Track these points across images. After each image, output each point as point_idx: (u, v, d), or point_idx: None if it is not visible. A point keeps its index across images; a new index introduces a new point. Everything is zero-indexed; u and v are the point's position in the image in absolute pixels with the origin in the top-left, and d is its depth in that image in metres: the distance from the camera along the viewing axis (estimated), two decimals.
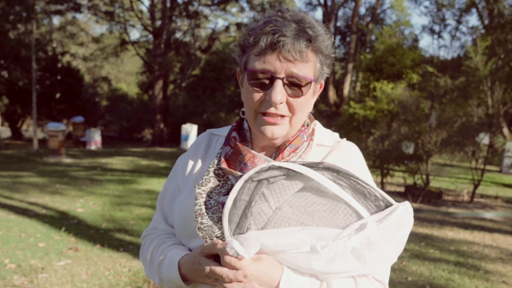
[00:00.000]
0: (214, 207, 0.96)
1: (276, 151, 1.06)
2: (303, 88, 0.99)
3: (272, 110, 0.99)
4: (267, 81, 0.98)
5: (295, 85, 0.98)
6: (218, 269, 0.85)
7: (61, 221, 5.93)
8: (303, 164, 0.94)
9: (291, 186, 0.91)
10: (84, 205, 7.01)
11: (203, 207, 0.96)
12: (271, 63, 0.96)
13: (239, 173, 0.98)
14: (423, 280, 4.23)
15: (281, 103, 0.98)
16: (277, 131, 1.01)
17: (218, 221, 0.93)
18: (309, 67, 0.99)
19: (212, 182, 1.02)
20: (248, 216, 0.87)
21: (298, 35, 0.96)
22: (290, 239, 0.85)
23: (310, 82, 0.99)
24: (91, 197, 7.68)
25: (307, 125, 1.10)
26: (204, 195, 0.98)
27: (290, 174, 0.92)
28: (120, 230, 5.59)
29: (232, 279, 0.84)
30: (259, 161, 0.99)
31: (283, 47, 0.94)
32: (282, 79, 0.97)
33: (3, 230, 5.37)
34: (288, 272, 0.89)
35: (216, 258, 0.89)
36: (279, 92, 0.97)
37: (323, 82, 1.09)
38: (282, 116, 1.00)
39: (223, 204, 0.93)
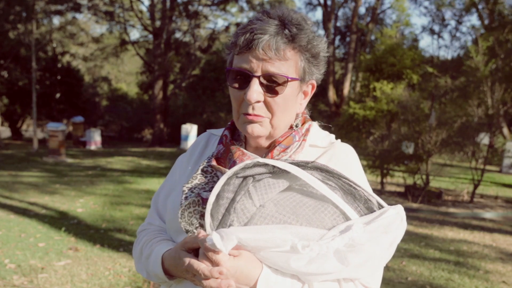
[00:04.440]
0: (194, 198, 0.95)
1: (267, 151, 1.05)
2: (281, 87, 0.97)
3: (249, 110, 0.98)
4: (244, 80, 0.98)
5: (272, 84, 0.97)
6: (196, 264, 0.84)
7: (61, 221, 5.93)
8: (291, 163, 0.92)
9: (277, 184, 0.90)
10: (84, 205, 7.01)
11: (184, 202, 0.96)
12: (248, 61, 0.96)
13: (227, 170, 0.97)
14: (423, 280, 4.23)
15: (258, 102, 0.97)
16: (257, 129, 1.00)
17: (198, 213, 0.92)
18: (289, 65, 0.97)
19: (198, 179, 1.02)
20: (231, 213, 0.86)
21: (277, 33, 0.94)
22: (270, 235, 0.83)
23: (287, 81, 0.97)
24: (91, 197, 7.68)
25: (298, 126, 1.08)
26: (188, 191, 0.98)
27: (276, 172, 0.91)
28: (120, 230, 5.59)
29: (207, 276, 0.82)
30: (248, 159, 0.99)
31: (258, 45, 0.94)
32: (258, 77, 0.96)
33: (3, 230, 5.37)
34: (267, 271, 0.86)
35: (196, 253, 0.88)
36: (254, 90, 0.96)
37: (314, 83, 1.07)
38: (260, 116, 0.99)
39: (205, 199, 0.92)
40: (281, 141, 1.04)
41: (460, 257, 5.05)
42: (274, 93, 0.97)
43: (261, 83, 0.96)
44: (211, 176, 1.02)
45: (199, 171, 1.03)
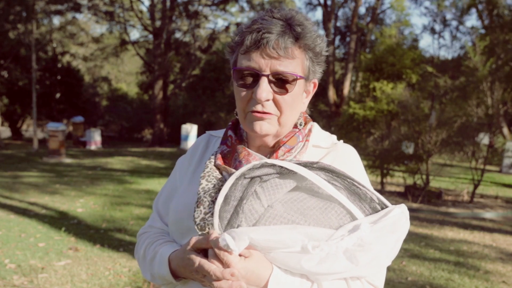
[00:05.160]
0: (211, 190, 0.95)
1: (271, 151, 1.05)
2: (289, 85, 0.98)
3: (259, 108, 0.98)
4: (252, 79, 0.98)
5: (281, 82, 0.97)
6: (207, 265, 0.84)
7: (61, 221, 5.93)
8: (298, 163, 0.93)
9: (284, 184, 0.90)
10: (84, 205, 7.02)
11: (201, 193, 0.95)
12: (256, 60, 0.96)
13: (233, 170, 0.97)
14: (423, 280, 4.23)
15: (267, 100, 0.98)
16: (265, 126, 1.00)
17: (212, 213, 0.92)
18: (296, 63, 0.98)
19: (210, 167, 1.02)
20: (240, 213, 0.86)
21: (284, 32, 0.95)
22: (281, 236, 0.83)
23: (296, 79, 0.98)
24: (91, 197, 7.68)
25: (302, 125, 1.09)
26: (203, 181, 0.98)
27: (283, 172, 0.91)
28: (120, 230, 5.59)
29: (219, 277, 0.82)
30: (253, 159, 0.99)
31: (267, 44, 0.94)
32: (267, 76, 0.96)
33: (3, 230, 5.37)
34: (278, 271, 0.87)
35: (205, 253, 0.87)
36: (264, 89, 0.96)
37: (316, 82, 1.08)
38: (269, 113, 0.99)
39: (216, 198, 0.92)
40: (285, 142, 1.04)
41: (460, 257, 5.05)
42: (284, 91, 0.98)
43: (270, 82, 0.97)
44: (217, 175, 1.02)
45: (212, 165, 1.03)
